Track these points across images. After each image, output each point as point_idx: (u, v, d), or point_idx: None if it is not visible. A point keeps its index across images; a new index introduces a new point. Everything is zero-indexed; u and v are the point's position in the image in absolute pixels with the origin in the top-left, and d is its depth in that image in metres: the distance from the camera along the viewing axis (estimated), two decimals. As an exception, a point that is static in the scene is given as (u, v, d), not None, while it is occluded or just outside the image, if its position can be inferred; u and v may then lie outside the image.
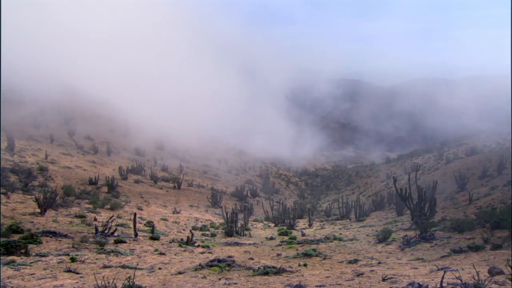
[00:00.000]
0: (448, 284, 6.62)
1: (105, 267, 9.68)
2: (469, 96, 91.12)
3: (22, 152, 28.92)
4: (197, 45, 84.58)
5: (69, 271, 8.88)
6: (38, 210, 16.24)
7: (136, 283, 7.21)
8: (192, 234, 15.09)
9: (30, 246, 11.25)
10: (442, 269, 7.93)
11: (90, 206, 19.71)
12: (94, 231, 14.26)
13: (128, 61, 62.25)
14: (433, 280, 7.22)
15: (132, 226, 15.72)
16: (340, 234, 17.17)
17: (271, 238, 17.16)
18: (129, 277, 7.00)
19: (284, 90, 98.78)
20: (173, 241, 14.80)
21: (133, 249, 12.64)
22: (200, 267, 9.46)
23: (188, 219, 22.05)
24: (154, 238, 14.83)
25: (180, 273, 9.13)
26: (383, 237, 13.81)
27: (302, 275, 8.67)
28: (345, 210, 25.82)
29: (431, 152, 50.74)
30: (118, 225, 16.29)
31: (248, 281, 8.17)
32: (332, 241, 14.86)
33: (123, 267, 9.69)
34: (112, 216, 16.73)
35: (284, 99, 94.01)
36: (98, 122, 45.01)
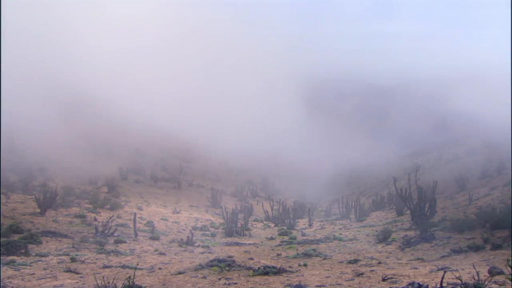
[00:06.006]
0: (448, 284, 6.63)
1: (105, 267, 9.69)
2: (468, 96, 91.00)
3: (22, 152, 28.92)
4: (203, 44, 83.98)
5: (69, 271, 8.90)
6: (38, 210, 16.26)
7: (136, 283, 7.22)
8: (192, 234, 15.10)
9: (30, 246, 11.26)
10: (442, 269, 7.93)
11: (90, 206, 19.71)
12: (94, 231, 14.28)
13: (129, 60, 62.08)
14: (433, 280, 7.22)
15: (132, 226, 15.74)
16: (340, 234, 17.15)
17: (271, 238, 17.14)
18: (129, 277, 7.01)
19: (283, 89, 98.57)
20: (173, 241, 14.81)
21: (133, 249, 12.65)
22: (200, 267, 9.46)
23: (188, 219, 22.04)
24: (154, 238, 14.85)
25: (180, 273, 9.13)
26: (383, 237, 13.80)
27: (302, 275, 8.67)
28: (345, 210, 25.79)
29: (431, 152, 50.67)
30: (118, 225, 16.30)
31: (248, 281, 8.18)
32: (332, 241, 14.85)
33: (123, 267, 9.70)
34: (112, 216, 16.72)
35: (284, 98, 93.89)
36: (98, 121, 44.94)
